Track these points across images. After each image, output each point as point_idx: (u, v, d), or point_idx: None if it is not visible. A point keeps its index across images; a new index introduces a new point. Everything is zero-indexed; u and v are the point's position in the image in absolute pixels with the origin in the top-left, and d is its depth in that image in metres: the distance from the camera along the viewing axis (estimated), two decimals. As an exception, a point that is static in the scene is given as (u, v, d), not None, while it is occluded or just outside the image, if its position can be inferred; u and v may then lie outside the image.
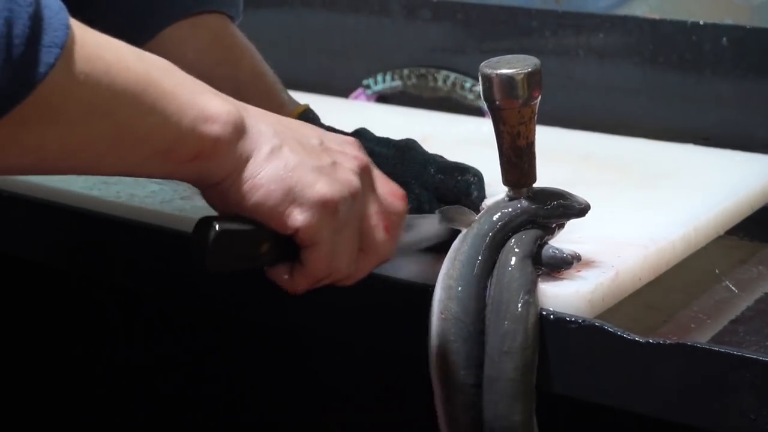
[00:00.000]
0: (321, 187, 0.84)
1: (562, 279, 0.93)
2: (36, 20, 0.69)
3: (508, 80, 0.90)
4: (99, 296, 1.44)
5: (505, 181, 0.95)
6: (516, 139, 0.93)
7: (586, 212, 0.95)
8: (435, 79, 1.50)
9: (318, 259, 0.86)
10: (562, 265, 0.91)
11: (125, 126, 0.77)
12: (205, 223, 0.83)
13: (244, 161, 0.82)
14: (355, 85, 1.57)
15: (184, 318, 1.38)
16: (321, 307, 1.02)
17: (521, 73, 0.90)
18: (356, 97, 1.57)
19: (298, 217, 0.83)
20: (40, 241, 1.21)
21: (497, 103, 0.91)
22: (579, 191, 0.97)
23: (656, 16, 1.36)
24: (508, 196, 0.95)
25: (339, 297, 0.99)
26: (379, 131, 1.32)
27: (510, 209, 0.93)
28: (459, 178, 1.04)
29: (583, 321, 0.89)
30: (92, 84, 0.73)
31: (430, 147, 1.28)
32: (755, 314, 1.00)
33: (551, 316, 0.90)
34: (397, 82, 1.53)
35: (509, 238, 0.92)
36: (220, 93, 0.82)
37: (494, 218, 0.92)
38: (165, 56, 1.02)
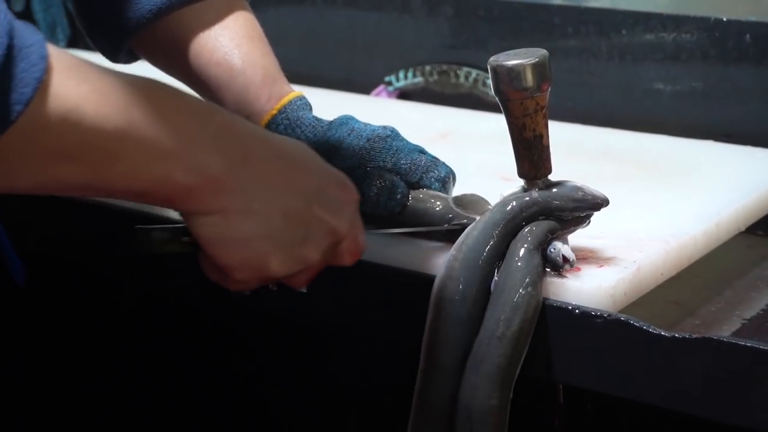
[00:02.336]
0: (274, 266, 0.85)
1: (583, 275, 0.94)
2: (7, 63, 0.70)
3: (510, 71, 0.91)
4: (107, 293, 1.44)
5: (519, 173, 0.96)
6: (522, 131, 0.94)
7: (602, 206, 0.95)
8: (456, 76, 1.50)
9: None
10: (554, 266, 0.92)
11: (96, 170, 0.77)
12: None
13: (214, 212, 0.82)
14: (377, 82, 1.57)
15: (195, 314, 1.39)
16: (338, 300, 1.04)
17: (524, 64, 0.91)
18: (378, 94, 1.57)
19: (238, 275, 0.85)
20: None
21: (503, 94, 0.93)
22: (600, 187, 0.97)
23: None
24: (522, 187, 0.96)
25: (358, 290, 1.02)
26: (401, 128, 1.31)
27: (522, 200, 0.94)
28: (423, 175, 1.04)
29: (609, 315, 0.89)
30: (63, 132, 0.73)
31: (451, 144, 1.32)
32: None
33: (576, 311, 0.90)
34: (419, 79, 1.53)
35: (521, 228, 0.93)
36: (211, 133, 0.81)
37: (506, 208, 0.93)
38: (172, 38, 1.05)
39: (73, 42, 1.82)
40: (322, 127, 1.07)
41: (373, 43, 1.57)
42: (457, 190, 1.05)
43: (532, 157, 0.93)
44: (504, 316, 0.89)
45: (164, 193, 0.80)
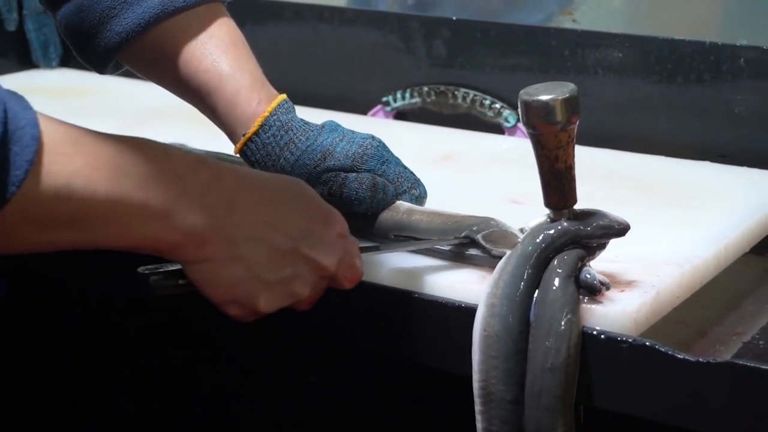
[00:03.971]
0: (263, 304, 0.90)
1: (606, 300, 0.96)
2: (1, 148, 0.73)
3: (545, 106, 0.93)
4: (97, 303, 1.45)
5: (547, 203, 0.98)
6: (554, 163, 0.96)
7: (626, 232, 0.98)
8: (454, 97, 1.52)
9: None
10: (591, 291, 0.95)
11: (87, 235, 0.81)
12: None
13: (201, 261, 0.87)
14: (374, 102, 1.58)
15: (179, 326, 1.40)
16: (361, 323, 1.05)
17: (558, 99, 0.93)
18: (375, 114, 1.58)
19: (230, 311, 0.90)
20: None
21: (535, 128, 0.95)
22: (605, 209, 0.99)
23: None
24: (549, 217, 0.98)
25: (380, 313, 1.03)
26: (400, 149, 1.31)
27: (552, 231, 0.96)
28: (405, 189, 1.10)
29: (634, 340, 0.92)
30: (56, 205, 0.77)
31: (456, 166, 1.33)
32: None
33: (602, 336, 0.93)
34: (417, 99, 1.55)
35: (552, 258, 0.95)
36: (196, 190, 0.85)
37: (537, 240, 0.96)
38: (159, 49, 1.08)
39: (65, 60, 1.83)
40: (313, 130, 1.11)
41: (370, 63, 1.58)
42: (467, 213, 1.07)
43: (562, 187, 0.96)
44: (551, 346, 0.91)
45: (153, 249, 0.85)
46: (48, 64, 1.83)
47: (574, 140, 0.95)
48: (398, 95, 1.56)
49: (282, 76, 1.56)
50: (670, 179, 1.28)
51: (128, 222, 0.82)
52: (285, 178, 0.94)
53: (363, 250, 0.98)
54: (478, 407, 0.93)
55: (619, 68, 1.41)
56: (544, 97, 0.93)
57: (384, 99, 1.57)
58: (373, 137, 1.12)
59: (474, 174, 1.32)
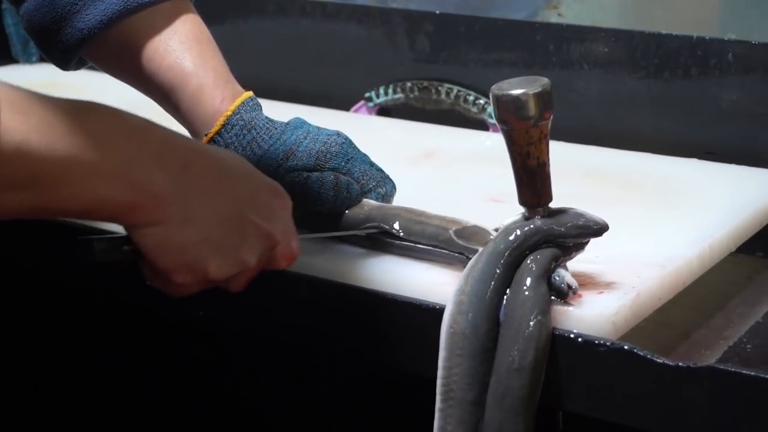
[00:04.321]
0: (212, 270, 0.89)
1: (584, 302, 0.94)
2: None
3: (515, 101, 0.91)
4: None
5: (521, 201, 0.96)
6: (526, 160, 0.94)
7: (603, 232, 0.96)
8: (438, 92, 1.50)
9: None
10: (559, 294, 0.93)
11: (44, 196, 0.80)
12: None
13: (155, 223, 0.86)
14: (357, 98, 1.56)
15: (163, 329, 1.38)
16: (332, 325, 1.03)
17: (529, 93, 0.91)
18: (358, 110, 1.56)
19: (178, 278, 0.89)
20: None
21: (506, 123, 0.92)
22: (590, 209, 0.97)
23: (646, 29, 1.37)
24: (523, 215, 0.96)
25: (349, 315, 1.01)
26: (382, 146, 1.31)
27: (525, 229, 0.94)
28: (372, 188, 1.08)
29: (612, 344, 0.89)
30: (14, 163, 0.77)
31: (438, 164, 1.31)
32: (762, 329, 1.01)
33: (579, 339, 0.90)
34: (400, 95, 1.53)
35: (525, 257, 0.93)
36: (151, 149, 0.84)
37: (510, 238, 0.93)
38: (122, 45, 1.07)
39: (45, 56, 1.80)
40: (276, 128, 1.09)
41: (352, 58, 1.56)
42: (447, 213, 1.05)
43: (534, 185, 0.93)
44: (518, 347, 0.89)
45: (108, 211, 0.84)
46: (28, 59, 1.81)
47: (548, 137, 0.93)
48: (381, 91, 1.54)
49: (263, 72, 1.60)
50: (655, 177, 1.26)
51: (85, 181, 0.81)
52: (230, 152, 0.94)
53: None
54: (438, 404, 0.91)
55: (604, 63, 1.39)
56: (515, 92, 0.91)
57: (367, 95, 1.55)
58: (338, 134, 1.10)
59: (455, 171, 1.30)
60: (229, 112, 1.07)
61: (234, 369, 1.33)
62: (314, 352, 1.16)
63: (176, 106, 1.08)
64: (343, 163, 1.07)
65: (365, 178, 1.08)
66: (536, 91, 0.91)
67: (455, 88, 1.49)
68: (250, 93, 1.10)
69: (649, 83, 1.36)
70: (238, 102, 1.08)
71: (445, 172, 1.30)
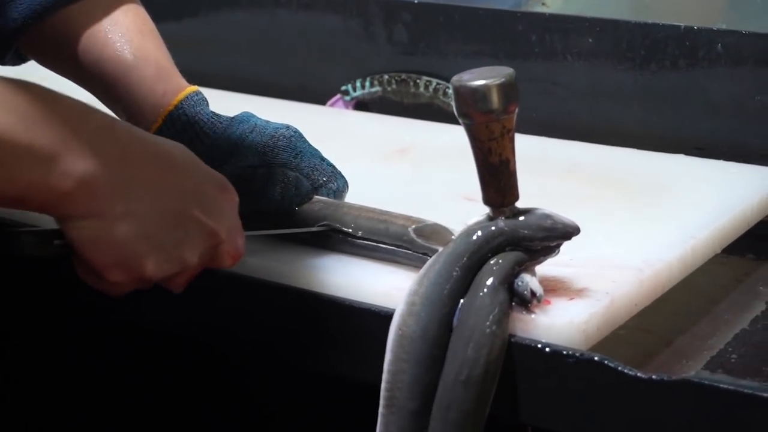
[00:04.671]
0: (150, 268, 0.85)
1: (552, 309, 0.89)
2: None
3: (474, 92, 0.86)
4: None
5: (484, 200, 0.91)
6: (488, 156, 0.88)
7: (573, 235, 0.91)
8: (416, 85, 1.45)
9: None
10: (522, 301, 0.88)
11: None
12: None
13: (89, 216, 0.82)
14: (333, 92, 1.52)
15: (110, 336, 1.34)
16: (275, 331, 0.99)
17: (491, 84, 0.86)
18: (334, 104, 1.52)
19: (112, 276, 0.84)
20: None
21: (467, 116, 0.87)
22: (565, 207, 0.92)
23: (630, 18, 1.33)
24: (488, 216, 0.91)
25: (303, 321, 0.97)
26: (358, 141, 1.30)
27: (487, 230, 0.88)
28: (329, 179, 1.04)
29: (581, 355, 0.84)
30: None
31: (412, 161, 1.28)
32: (749, 337, 0.97)
33: (546, 349, 0.85)
34: (377, 88, 1.49)
35: (487, 260, 0.88)
36: (87, 135, 0.80)
37: (471, 239, 0.88)
38: (60, 37, 1.03)
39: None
40: (221, 123, 1.05)
41: (328, 51, 1.52)
42: (420, 213, 1.00)
43: (498, 183, 0.88)
44: (468, 357, 0.84)
45: (40, 199, 0.80)
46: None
47: (513, 132, 0.87)
48: (358, 84, 1.50)
49: (235, 65, 1.57)
50: (640, 174, 1.21)
51: (15, 164, 0.77)
52: (174, 142, 0.88)
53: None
54: (380, 410, 0.87)
55: (589, 54, 1.34)
56: (476, 83, 0.85)
57: (343, 88, 1.51)
58: (287, 127, 1.04)
59: (429, 168, 1.25)
60: (171, 107, 1.03)
61: (167, 373, 1.29)
62: (260, 359, 1.11)
63: (116, 100, 1.04)
64: (291, 158, 1.02)
65: (315, 173, 1.03)
66: (499, 82, 0.85)
67: (434, 81, 1.44)
68: (195, 87, 1.05)
69: (635, 75, 1.31)
70: (180, 96, 1.03)
71: (418, 168, 1.25)
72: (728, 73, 1.26)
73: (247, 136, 1.02)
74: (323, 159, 1.05)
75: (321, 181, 1.03)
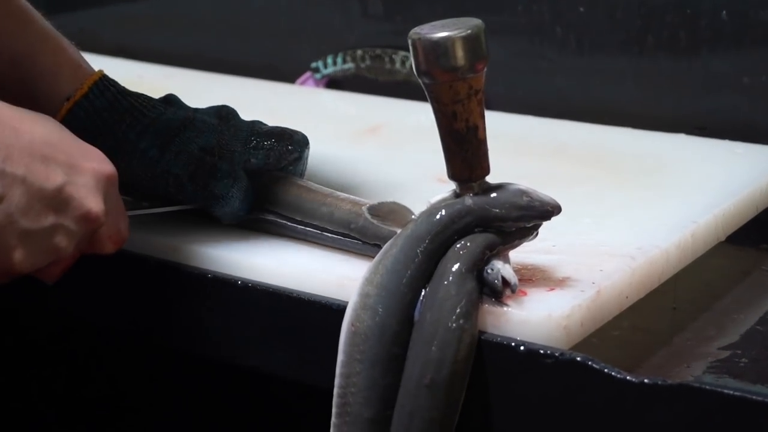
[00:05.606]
0: (18, 260, 0.79)
1: (528, 301, 0.79)
2: None
3: (435, 46, 0.76)
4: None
5: (449, 174, 0.81)
6: (452, 122, 0.79)
7: (553, 214, 0.81)
8: (392, 61, 1.40)
9: None
10: (493, 291, 0.78)
11: None
12: None
13: None
14: (303, 69, 1.47)
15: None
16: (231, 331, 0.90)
17: (453, 37, 0.76)
18: (304, 82, 1.47)
19: None
20: None
21: (427, 75, 0.78)
22: (553, 190, 0.83)
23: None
24: (454, 192, 0.82)
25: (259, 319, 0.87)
26: (329, 121, 1.25)
27: (453, 209, 0.79)
28: (289, 144, 0.96)
29: (561, 355, 0.75)
30: None
31: (381, 139, 1.22)
32: (759, 337, 0.89)
33: (521, 347, 0.76)
34: (350, 65, 1.43)
35: (453, 244, 0.78)
36: None
37: (434, 219, 0.79)
38: None
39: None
40: (158, 102, 0.96)
41: (297, 25, 1.48)
42: (385, 195, 0.92)
43: (464, 154, 0.78)
44: (431, 357, 0.74)
45: None
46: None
47: (482, 94, 0.78)
48: (329, 60, 1.45)
49: (200, 42, 1.53)
50: (635, 154, 1.14)
51: None
52: (44, 116, 0.82)
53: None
54: (333, 418, 0.78)
55: (579, 25, 1.28)
56: (437, 35, 0.75)
57: (313, 65, 1.46)
58: (218, 115, 0.96)
59: (400, 148, 1.17)
60: (97, 77, 0.94)
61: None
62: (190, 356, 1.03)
63: (29, 74, 0.94)
64: (213, 140, 0.92)
65: (247, 151, 0.93)
66: (464, 34, 0.75)
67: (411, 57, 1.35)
68: (99, 74, 0.96)
69: (630, 48, 1.26)
70: (98, 74, 0.95)
71: (387, 148, 1.18)
72: (733, 46, 1.21)
73: (162, 114, 0.93)
74: (258, 134, 0.95)
75: (255, 159, 0.93)
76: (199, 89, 1.39)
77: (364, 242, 0.85)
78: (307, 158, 0.96)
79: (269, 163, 0.93)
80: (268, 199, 0.90)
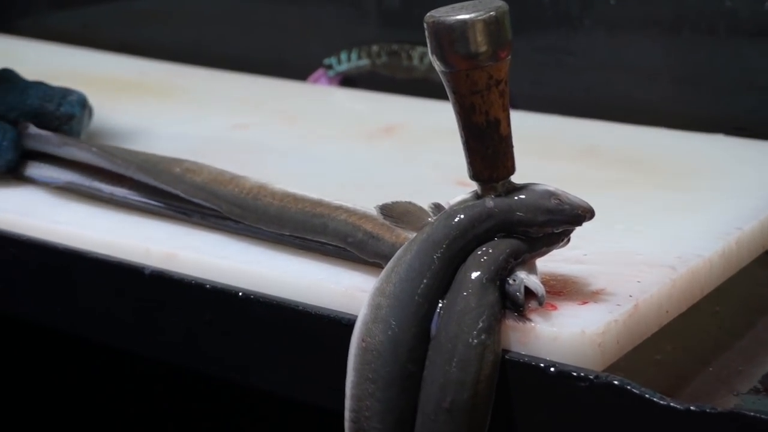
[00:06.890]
0: None
1: (558, 317, 0.72)
2: None
3: (452, 30, 0.70)
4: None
5: (470, 174, 0.75)
6: (470, 115, 0.72)
7: (584, 219, 0.74)
8: (409, 57, 1.35)
9: None
10: (514, 303, 0.71)
11: None
12: None
13: None
14: (315, 66, 1.42)
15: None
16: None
17: (472, 20, 0.69)
18: (316, 80, 1.42)
19: None
20: None
21: (444, 62, 0.71)
22: (582, 194, 0.77)
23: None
24: (475, 193, 0.75)
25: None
26: (343, 121, 1.21)
27: (473, 211, 0.72)
28: (61, 101, 1.01)
29: (596, 377, 0.68)
30: None
31: (397, 140, 1.16)
32: None
33: (551, 369, 0.68)
34: (365, 61, 1.38)
35: (473, 251, 0.72)
36: None
37: (453, 222, 0.72)
38: None
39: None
40: None
41: (309, 19, 1.44)
42: (401, 199, 0.81)
43: (485, 150, 0.71)
44: (451, 377, 0.67)
45: None
46: None
47: (504, 85, 0.71)
48: (343, 57, 1.39)
49: (208, 38, 1.50)
50: (672, 156, 1.07)
51: None
52: None
53: None
54: None
55: (610, 19, 1.23)
56: (454, 18, 0.68)
57: (326, 61, 1.41)
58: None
59: (418, 149, 1.11)
60: None
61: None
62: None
63: None
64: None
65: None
66: (484, 17, 0.68)
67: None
68: None
69: (664, 43, 1.21)
70: None
71: (406, 150, 1.11)
72: (776, 39, 1.15)
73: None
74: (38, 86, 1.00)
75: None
76: (205, 87, 1.34)
77: (364, 257, 0.78)
78: (88, 121, 1.00)
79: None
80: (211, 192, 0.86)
